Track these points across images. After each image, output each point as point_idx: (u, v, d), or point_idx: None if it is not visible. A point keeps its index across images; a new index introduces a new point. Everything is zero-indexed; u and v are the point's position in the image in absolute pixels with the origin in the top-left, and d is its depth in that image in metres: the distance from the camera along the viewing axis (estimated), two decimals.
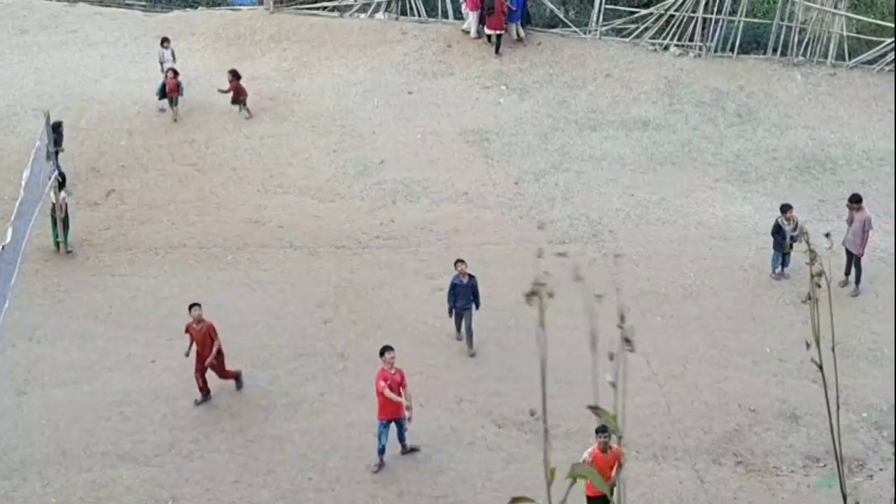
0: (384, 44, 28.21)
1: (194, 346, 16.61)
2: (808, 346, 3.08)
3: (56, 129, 21.00)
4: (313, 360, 17.92)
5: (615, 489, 13.17)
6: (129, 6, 30.99)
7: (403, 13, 29.36)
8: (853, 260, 19.88)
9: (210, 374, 16.82)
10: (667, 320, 19.11)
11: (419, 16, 29.28)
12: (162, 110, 25.06)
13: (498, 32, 27.67)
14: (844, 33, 27.53)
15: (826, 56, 27.60)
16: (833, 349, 3.14)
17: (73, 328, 18.55)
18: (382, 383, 15.19)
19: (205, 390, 16.86)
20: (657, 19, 28.23)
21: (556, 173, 23.64)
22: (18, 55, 27.95)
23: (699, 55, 27.86)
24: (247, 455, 15.87)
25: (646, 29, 28.30)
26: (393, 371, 15.41)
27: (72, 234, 20.50)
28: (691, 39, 28.01)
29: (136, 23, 29.64)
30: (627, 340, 2.58)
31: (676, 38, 28.09)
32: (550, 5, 29.17)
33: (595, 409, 3.14)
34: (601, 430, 13.65)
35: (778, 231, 20.06)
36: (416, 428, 16.21)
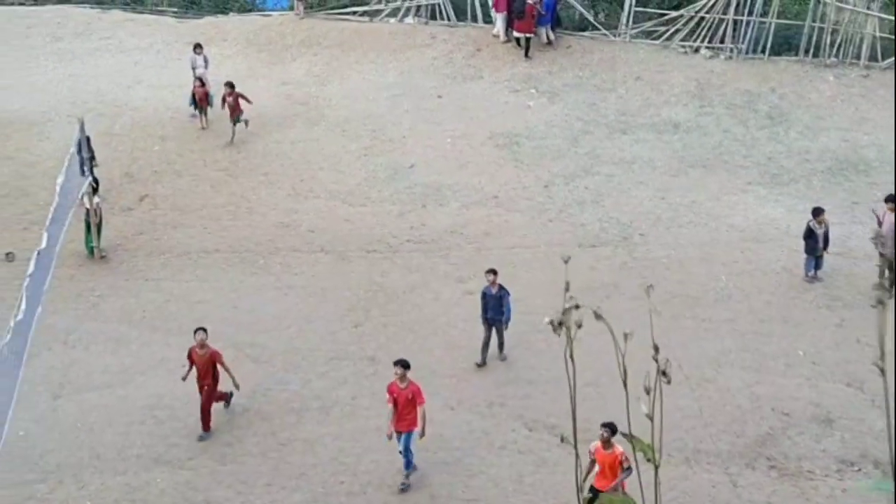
0: (414, 48, 28.30)
1: (194, 371, 16.08)
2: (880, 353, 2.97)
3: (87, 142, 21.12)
4: (344, 363, 17.97)
5: (615, 489, 13.15)
6: (161, 12, 31.26)
7: (433, 17, 29.45)
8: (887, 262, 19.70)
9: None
10: (698, 323, 19.00)
11: (448, 20, 29.35)
12: (193, 116, 25.30)
13: (527, 35, 27.67)
14: (877, 34, 27.31)
15: (859, 57, 27.39)
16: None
17: (107, 332, 18.70)
18: (387, 396, 15.24)
19: (207, 426, 16.25)
20: (687, 21, 28.14)
21: (586, 176, 23.60)
22: (53, 62, 28.29)
23: (730, 57, 27.73)
24: (279, 458, 15.93)
25: (676, 31, 28.21)
26: (403, 385, 15.11)
27: (103, 240, 20.66)
28: (722, 41, 27.89)
29: (169, 29, 29.93)
30: (664, 373, 2.54)
31: (707, 40, 27.98)
32: (580, 8, 29.14)
33: (631, 437, 3.08)
34: (607, 424, 13.59)
35: (810, 235, 19.91)
36: (448, 432, 16.24)
